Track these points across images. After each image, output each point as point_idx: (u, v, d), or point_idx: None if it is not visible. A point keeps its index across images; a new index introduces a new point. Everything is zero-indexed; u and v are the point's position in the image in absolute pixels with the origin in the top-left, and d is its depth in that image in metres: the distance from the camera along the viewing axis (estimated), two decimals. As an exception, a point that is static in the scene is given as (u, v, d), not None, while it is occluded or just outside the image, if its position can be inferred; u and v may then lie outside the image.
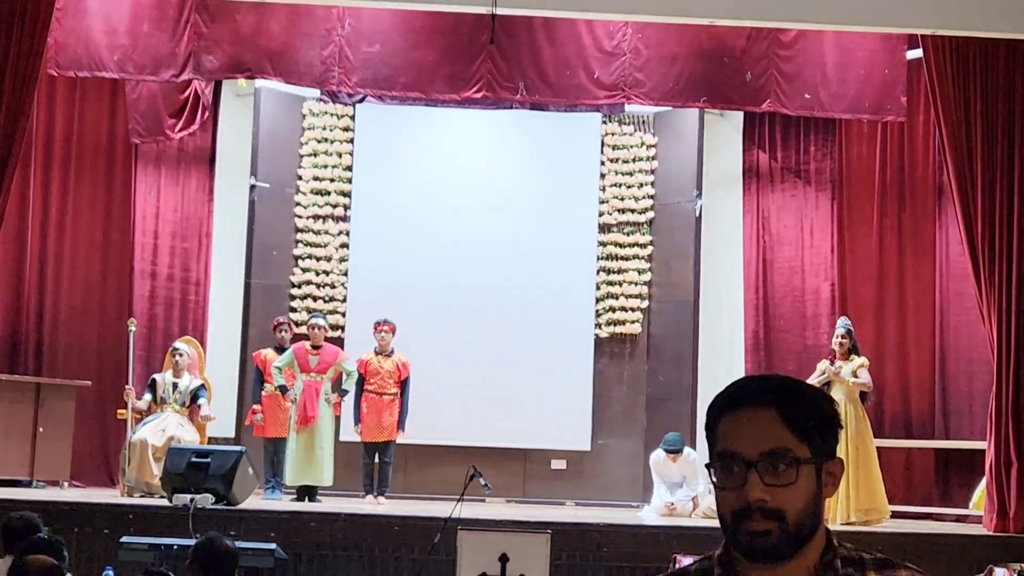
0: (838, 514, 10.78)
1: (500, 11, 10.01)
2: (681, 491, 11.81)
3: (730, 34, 11.78)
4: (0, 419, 11.85)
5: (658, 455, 11.82)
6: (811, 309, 13.71)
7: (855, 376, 11.19)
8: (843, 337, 11.37)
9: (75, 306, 13.17)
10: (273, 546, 8.64)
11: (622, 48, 11.86)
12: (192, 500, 9.32)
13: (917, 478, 13.11)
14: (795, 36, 11.88)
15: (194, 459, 9.79)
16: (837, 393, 11.02)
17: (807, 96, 11.90)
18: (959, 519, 12.30)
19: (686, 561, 6.77)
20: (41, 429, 12.12)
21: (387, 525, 9.41)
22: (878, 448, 12.85)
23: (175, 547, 8.45)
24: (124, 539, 8.61)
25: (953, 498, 12.71)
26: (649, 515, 11.61)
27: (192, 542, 8.43)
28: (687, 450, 12.02)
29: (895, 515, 12.60)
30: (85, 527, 9.31)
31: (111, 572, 7.80)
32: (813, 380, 11.32)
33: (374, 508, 10.65)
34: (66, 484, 12.26)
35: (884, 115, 12.05)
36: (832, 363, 11.31)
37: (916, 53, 11.84)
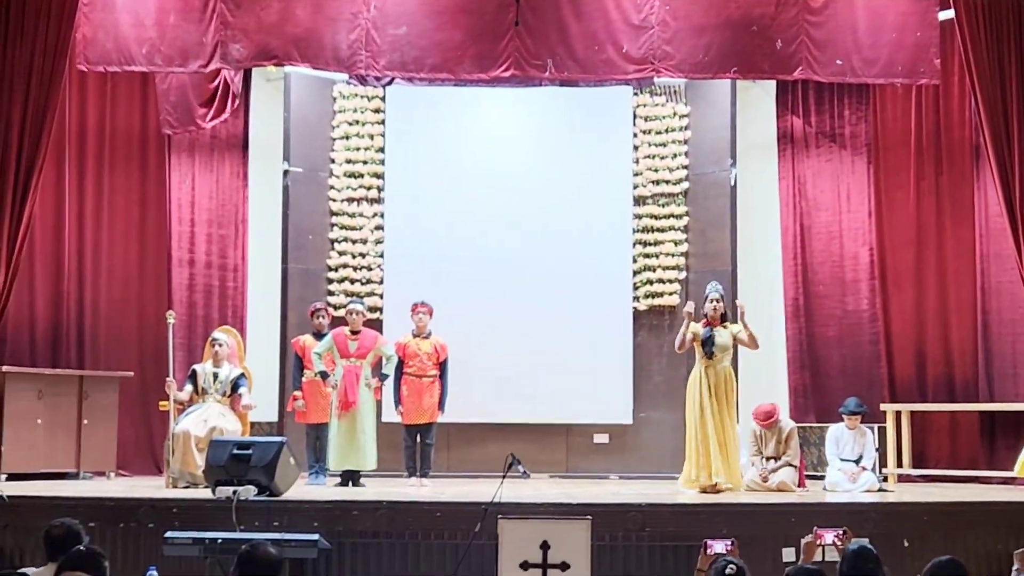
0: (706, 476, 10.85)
1: (525, -9, 9.91)
2: (723, 464, 11.75)
3: (759, 2, 11.63)
4: (45, 413, 11.97)
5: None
6: (850, 274, 13.65)
7: (749, 338, 11.21)
8: (717, 301, 11.28)
9: (114, 298, 13.27)
10: (316, 537, 8.67)
11: (650, 21, 11.73)
12: (235, 492, 9.35)
13: (962, 442, 13.03)
14: (825, 1, 11.71)
15: (236, 451, 9.80)
16: (716, 359, 11.04)
17: (839, 62, 11.73)
18: (1006, 482, 12.22)
19: (717, 546, 6.81)
20: (86, 421, 12.25)
21: (429, 512, 9.40)
22: (923, 412, 12.87)
23: (220, 540, 8.46)
24: (169, 534, 8.64)
25: (1000, 461, 12.62)
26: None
27: (236, 535, 8.53)
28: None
29: (942, 479, 12.58)
30: (130, 522, 9.36)
31: (155, 572, 7.84)
32: (679, 339, 11.29)
33: (416, 494, 10.64)
34: (112, 474, 12.40)
35: (917, 78, 11.86)
36: (710, 327, 11.22)
37: (948, 14, 11.69)
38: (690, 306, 11.45)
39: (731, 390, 11.15)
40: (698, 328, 11.20)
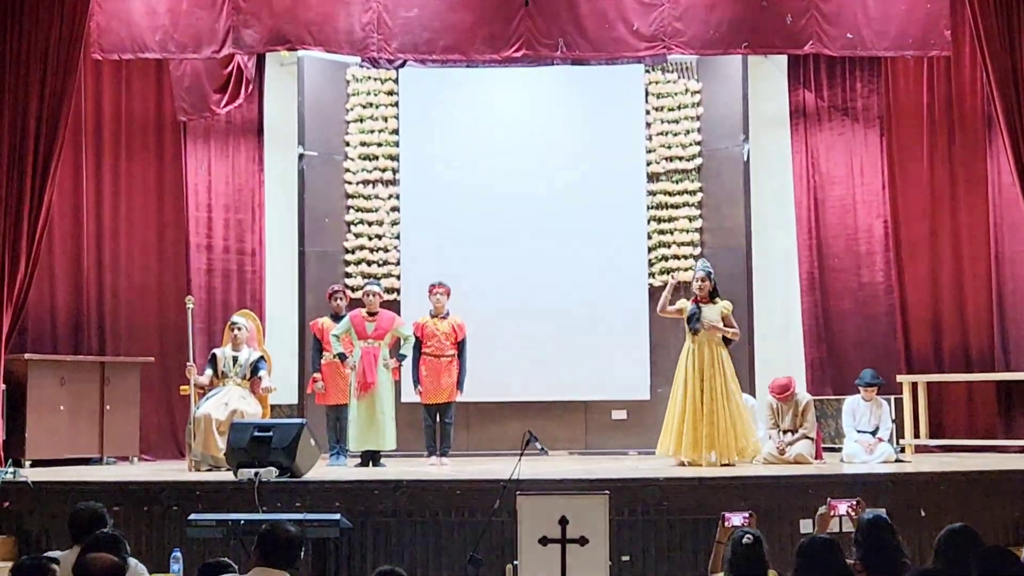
0: (720, 455, 11.02)
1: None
2: (742, 438, 11.83)
3: (768, -23, 11.69)
4: (68, 399, 12.07)
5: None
6: (865, 247, 13.69)
7: (725, 323, 11.31)
8: (703, 280, 11.39)
9: (134, 284, 13.37)
10: (338, 516, 8.70)
11: (660, -2, 11.80)
12: (257, 474, 9.44)
13: (979, 412, 13.08)
14: (834, -25, 11.75)
15: (256, 434, 9.87)
16: (702, 336, 11.20)
17: (849, 36, 11.76)
18: (1023, 450, 12.27)
19: (735, 519, 6.88)
20: (108, 407, 12.35)
21: (449, 490, 9.49)
22: (939, 383, 12.90)
23: (242, 522, 8.51)
24: (192, 516, 8.70)
25: (1017, 430, 12.70)
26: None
27: (258, 516, 8.62)
28: (745, 396, 12.04)
29: (959, 449, 12.63)
30: (154, 505, 9.48)
31: (179, 554, 7.95)
32: (661, 302, 11.55)
33: (437, 473, 10.74)
34: (136, 459, 12.51)
35: (928, 50, 11.89)
36: (697, 304, 11.34)
37: (958, -15, 11.71)
38: (677, 276, 11.75)
39: (720, 366, 11.23)
40: (686, 304, 11.34)
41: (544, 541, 7.92)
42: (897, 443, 12.06)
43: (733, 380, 11.28)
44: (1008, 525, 9.48)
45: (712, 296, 11.41)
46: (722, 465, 10.91)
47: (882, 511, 6.47)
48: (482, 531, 8.87)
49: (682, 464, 11.03)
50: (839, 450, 12.04)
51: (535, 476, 9.42)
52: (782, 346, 13.69)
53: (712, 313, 11.28)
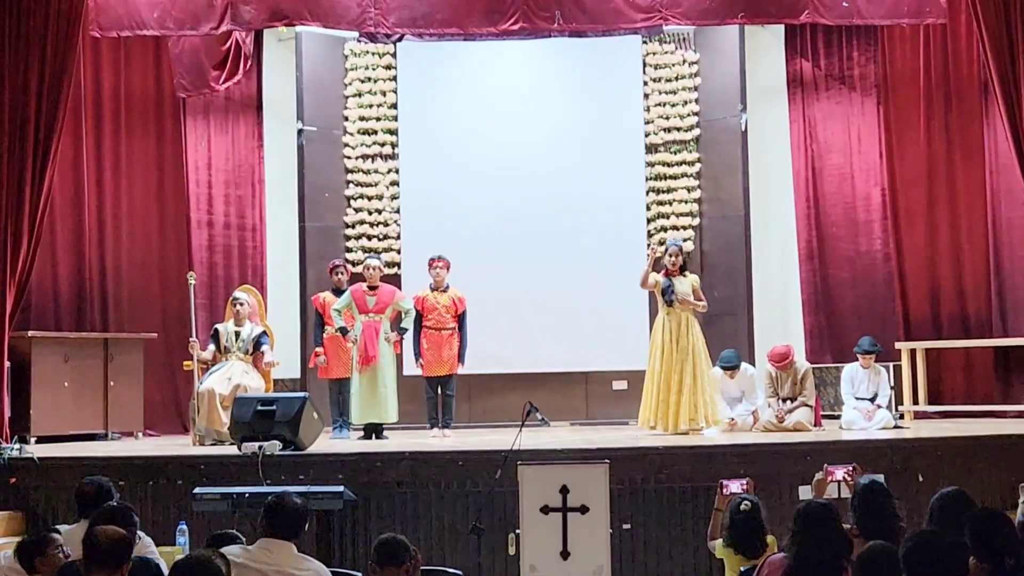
0: (676, 423, 11.23)
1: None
2: (741, 406, 11.93)
3: (763, -54, 11.70)
4: (72, 376, 12.16)
5: (716, 372, 11.91)
6: (863, 215, 13.73)
7: (695, 296, 11.51)
8: (675, 255, 11.58)
9: (136, 261, 13.44)
10: (342, 488, 8.81)
11: (656, -32, 11.80)
12: (260, 448, 9.53)
13: (977, 377, 13.15)
14: (829, -57, 11.76)
15: (260, 407, 9.95)
16: (677, 308, 11.42)
17: (845, 4, 11.77)
18: (1022, 415, 12.35)
19: (733, 486, 6.96)
20: (112, 383, 12.44)
21: (451, 461, 9.58)
22: (938, 350, 12.97)
23: (247, 495, 8.60)
24: (197, 490, 8.79)
25: (1014, 395, 12.76)
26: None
27: (263, 489, 8.70)
28: (744, 365, 12.13)
29: (958, 415, 12.71)
30: (160, 479, 9.57)
31: (184, 526, 8.04)
32: (642, 276, 11.62)
33: (439, 444, 10.83)
34: (140, 434, 12.61)
35: (924, 18, 11.92)
36: (669, 278, 11.52)
37: (953, -48, 11.73)
38: (657, 250, 11.89)
39: (692, 335, 11.38)
40: (659, 278, 11.47)
41: (545, 510, 8.03)
42: (896, 410, 12.13)
43: (703, 349, 11.42)
44: (1005, 489, 9.54)
45: (682, 270, 11.57)
46: (692, 431, 11.05)
47: (879, 476, 6.55)
48: (484, 501, 8.96)
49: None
50: (838, 417, 12.13)
51: (536, 447, 9.51)
52: (781, 315, 13.77)
53: (683, 286, 11.49)
